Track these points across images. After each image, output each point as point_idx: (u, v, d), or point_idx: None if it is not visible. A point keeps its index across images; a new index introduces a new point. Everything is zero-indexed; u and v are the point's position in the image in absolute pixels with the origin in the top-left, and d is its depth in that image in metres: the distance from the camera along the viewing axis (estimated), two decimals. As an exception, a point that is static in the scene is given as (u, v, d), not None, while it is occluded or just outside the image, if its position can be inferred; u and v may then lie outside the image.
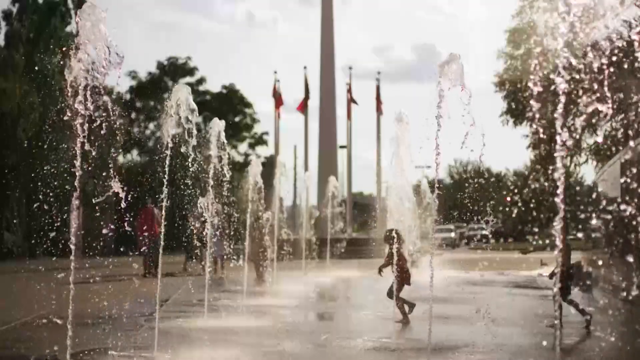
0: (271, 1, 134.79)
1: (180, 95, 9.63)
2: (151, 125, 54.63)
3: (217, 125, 12.30)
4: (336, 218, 29.67)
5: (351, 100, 42.07)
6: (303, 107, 42.32)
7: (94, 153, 6.84)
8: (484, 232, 56.69)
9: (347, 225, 40.49)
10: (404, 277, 11.77)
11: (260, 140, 60.46)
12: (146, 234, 21.04)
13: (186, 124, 9.56)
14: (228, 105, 58.03)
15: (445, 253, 34.65)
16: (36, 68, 31.72)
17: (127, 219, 8.14)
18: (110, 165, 7.31)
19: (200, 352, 9.12)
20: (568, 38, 4.74)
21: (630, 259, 12.97)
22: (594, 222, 17.80)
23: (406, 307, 11.81)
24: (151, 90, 53.71)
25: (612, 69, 4.74)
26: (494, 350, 9.38)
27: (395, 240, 11.99)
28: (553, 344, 9.50)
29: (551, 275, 11.35)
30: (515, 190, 67.11)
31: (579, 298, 14.54)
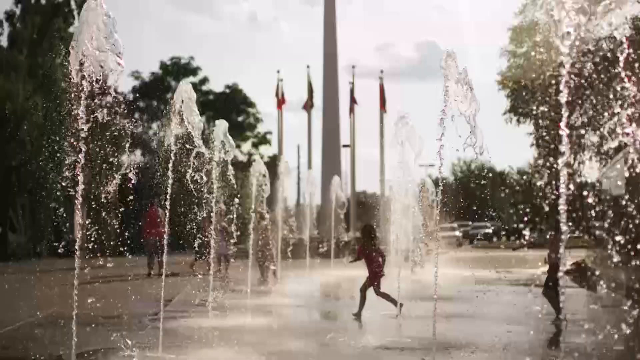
0: (274, 1, 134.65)
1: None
2: (154, 126, 54.72)
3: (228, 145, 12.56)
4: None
5: (353, 100, 41.95)
6: (308, 106, 42.24)
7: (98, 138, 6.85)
8: (487, 230, 56.67)
9: (350, 224, 40.39)
10: (375, 271, 12.13)
11: (263, 140, 60.57)
12: (152, 231, 20.96)
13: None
14: (231, 105, 58.10)
15: (449, 252, 34.62)
16: (39, 69, 31.76)
17: (131, 219, 8.18)
18: (113, 167, 7.32)
19: (205, 351, 9.13)
20: (572, 34, 4.73)
21: (635, 256, 12.94)
22: (597, 219, 17.74)
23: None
24: (154, 90, 53.78)
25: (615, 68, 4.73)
26: (499, 349, 9.37)
27: (370, 235, 12.33)
28: (558, 341, 9.50)
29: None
30: (518, 188, 67.06)
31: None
